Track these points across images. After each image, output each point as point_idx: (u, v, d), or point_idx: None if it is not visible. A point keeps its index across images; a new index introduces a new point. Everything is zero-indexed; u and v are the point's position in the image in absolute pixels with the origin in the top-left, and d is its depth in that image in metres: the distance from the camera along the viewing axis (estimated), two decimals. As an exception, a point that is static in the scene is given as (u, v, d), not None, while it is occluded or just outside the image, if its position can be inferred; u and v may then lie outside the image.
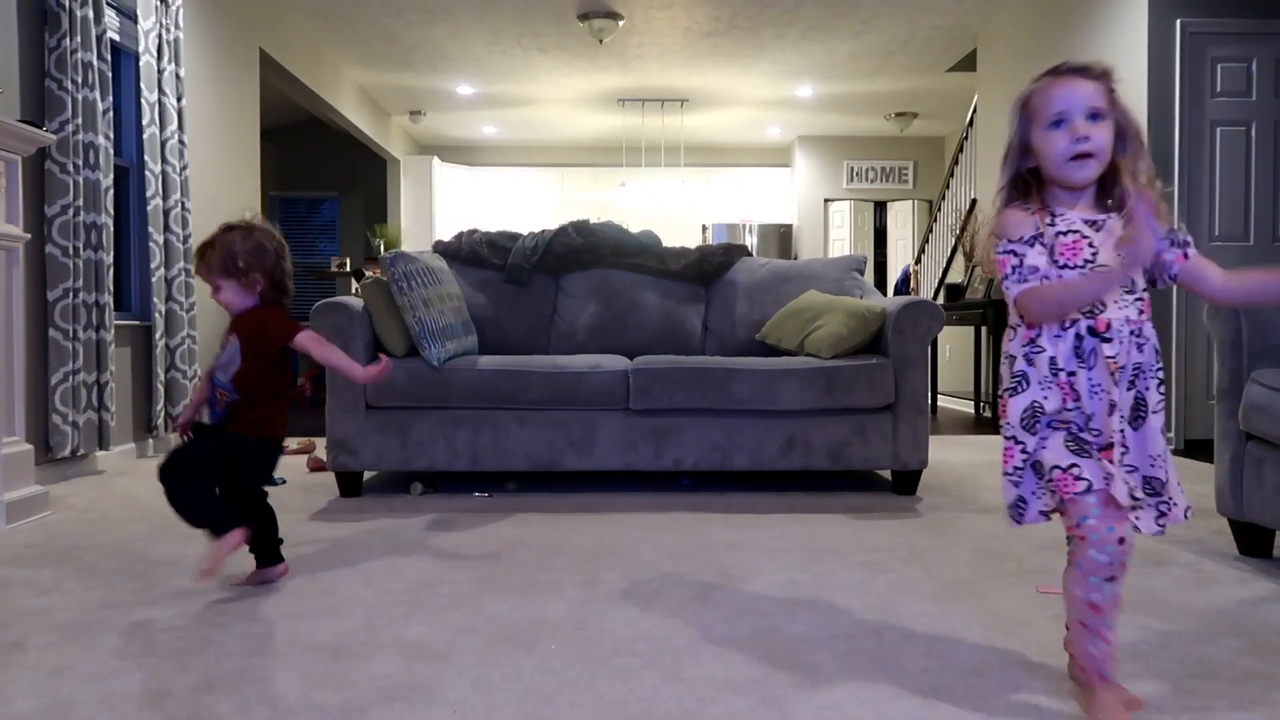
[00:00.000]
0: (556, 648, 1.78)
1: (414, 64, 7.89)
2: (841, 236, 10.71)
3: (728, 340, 3.92)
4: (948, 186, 8.12)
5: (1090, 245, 1.42)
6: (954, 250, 7.43)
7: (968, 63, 7.50)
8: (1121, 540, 1.39)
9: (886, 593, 2.15)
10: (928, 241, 8.64)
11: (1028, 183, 1.50)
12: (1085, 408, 1.42)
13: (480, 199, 10.79)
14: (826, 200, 10.79)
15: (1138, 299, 1.44)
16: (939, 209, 8.39)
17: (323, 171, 10.66)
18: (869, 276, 10.41)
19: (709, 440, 3.32)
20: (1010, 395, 1.48)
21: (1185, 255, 1.45)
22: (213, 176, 5.19)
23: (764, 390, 3.27)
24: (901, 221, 10.68)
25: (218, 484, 2.18)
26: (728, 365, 3.33)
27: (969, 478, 3.74)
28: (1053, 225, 1.44)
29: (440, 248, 4.07)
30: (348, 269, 8.00)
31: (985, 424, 5.90)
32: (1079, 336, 1.43)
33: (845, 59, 7.73)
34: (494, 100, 9.13)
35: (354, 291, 6.83)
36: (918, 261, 8.70)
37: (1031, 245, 1.45)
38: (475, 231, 4.14)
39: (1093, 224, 1.44)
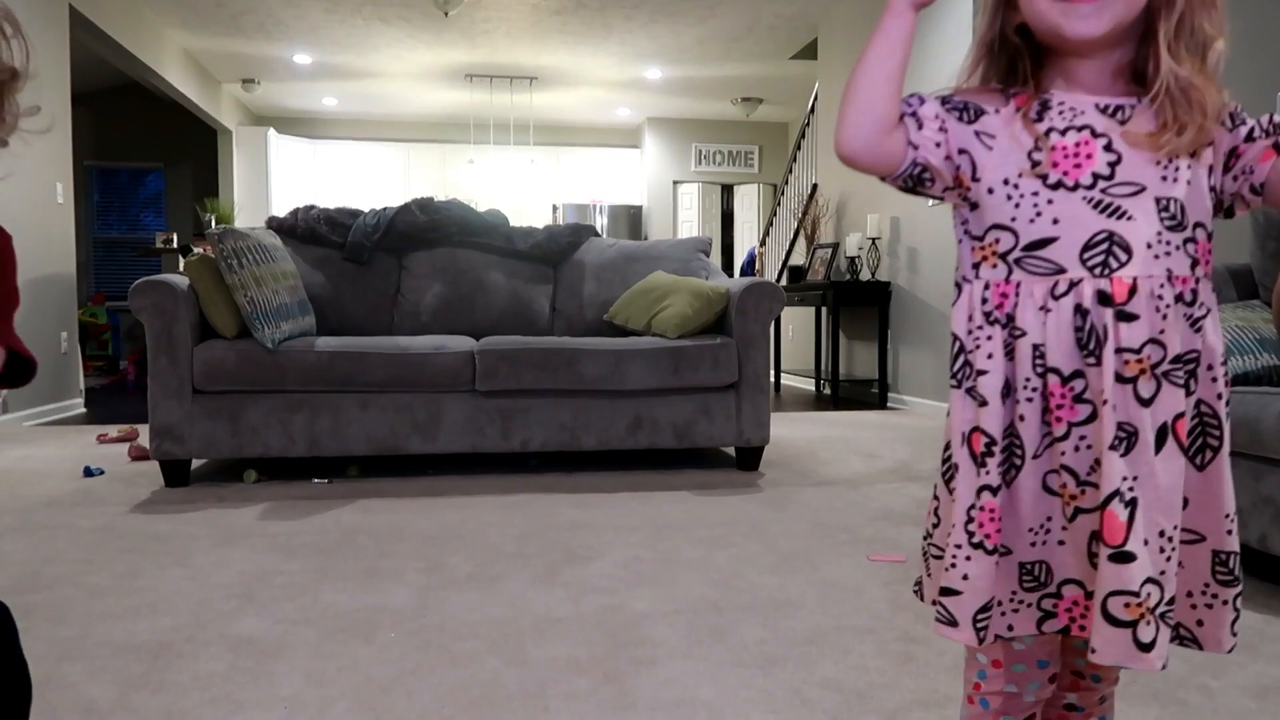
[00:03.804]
0: (396, 636, 1.74)
1: (246, 29, 7.47)
2: (690, 218, 10.87)
3: (576, 320, 3.92)
4: (791, 171, 8.36)
5: (1108, 148, 0.85)
6: (796, 233, 7.67)
7: (810, 51, 7.72)
8: None
9: (727, 566, 2.20)
10: (772, 224, 8.88)
11: (1015, 59, 0.91)
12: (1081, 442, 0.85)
13: (321, 174, 10.34)
14: (675, 182, 10.92)
15: (1189, 239, 0.85)
16: (783, 193, 8.63)
17: (146, 141, 9.96)
18: (716, 258, 10.63)
19: (557, 421, 3.31)
20: (956, 392, 0.91)
21: (1277, 149, 0.85)
22: (16, 143, 4.75)
23: (611, 370, 3.29)
24: (748, 204, 10.94)
25: None
26: (575, 345, 3.33)
27: (808, 453, 3.88)
28: (1041, 120, 0.87)
29: (275, 224, 3.88)
30: (174, 245, 7.53)
31: (825, 400, 6.14)
32: (1081, 310, 0.84)
33: (692, 43, 7.82)
34: (334, 71, 8.75)
35: (181, 269, 6.44)
36: (763, 244, 8.93)
37: (955, 111, 0.89)
38: (313, 208, 3.96)
39: (1111, 111, 0.86)
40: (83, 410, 5.47)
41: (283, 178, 9.95)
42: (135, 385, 6.78)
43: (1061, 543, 0.89)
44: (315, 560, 2.25)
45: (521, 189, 10.35)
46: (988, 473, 0.87)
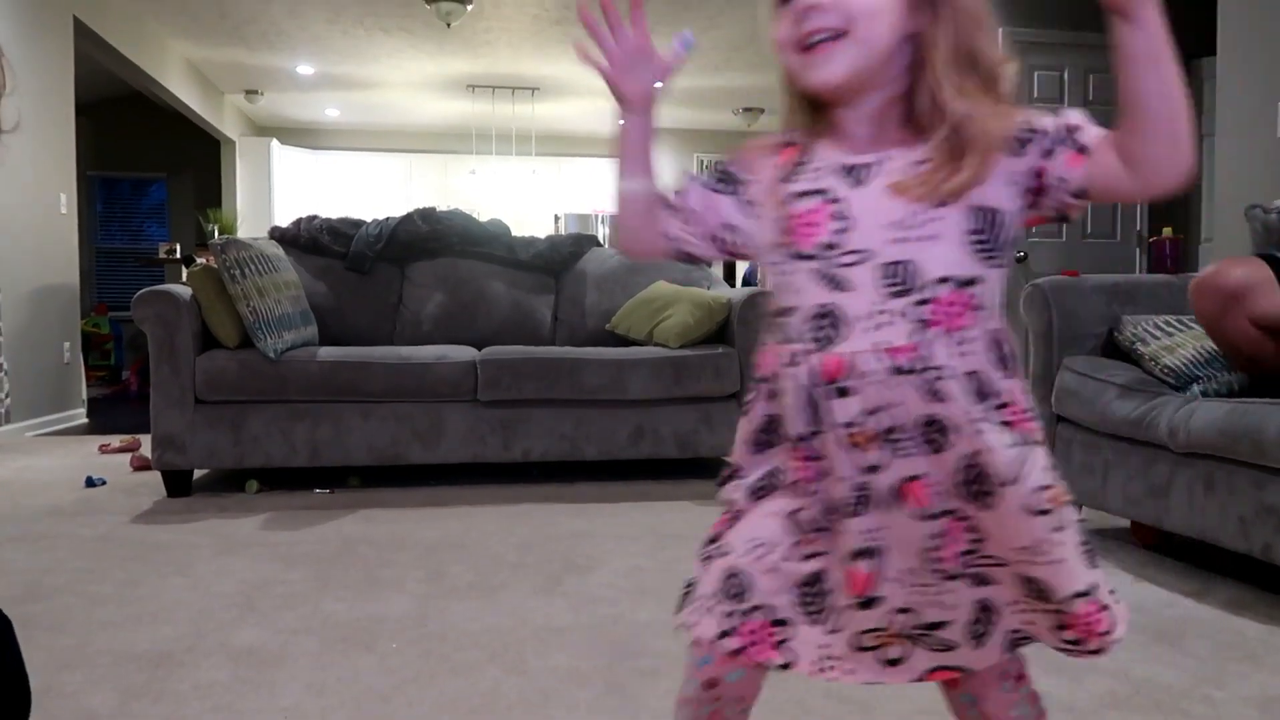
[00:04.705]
0: (397, 645, 1.73)
1: (249, 39, 7.50)
2: (692, 228, 10.89)
3: (577, 330, 3.92)
4: (792, 181, 8.39)
5: (838, 215, 0.82)
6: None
7: (810, 62, 7.75)
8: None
9: (729, 576, 2.20)
10: (773, 234, 8.91)
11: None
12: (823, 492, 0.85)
13: (323, 184, 10.36)
14: (678, 193, 10.94)
15: (922, 300, 0.80)
16: (784, 203, 8.66)
17: (149, 151, 9.99)
18: (718, 268, 10.62)
19: (558, 430, 3.30)
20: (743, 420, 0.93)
21: (1081, 151, 0.79)
22: (20, 153, 4.78)
23: (613, 380, 3.29)
24: (749, 214, 10.96)
25: None
26: (577, 355, 3.33)
27: (810, 462, 3.87)
28: (789, 181, 0.85)
29: (277, 234, 3.89)
30: (177, 255, 7.54)
31: (827, 410, 6.13)
32: (803, 388, 0.83)
33: (693, 52, 7.84)
34: (336, 81, 8.78)
35: (184, 279, 6.45)
36: (764, 254, 8.95)
37: (723, 182, 0.93)
38: (315, 218, 3.97)
39: (855, 171, 0.82)
40: (85, 420, 5.47)
41: (285, 188, 9.97)
42: (137, 395, 6.78)
43: (775, 571, 0.86)
44: (316, 570, 2.24)
45: (523, 199, 10.37)
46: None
